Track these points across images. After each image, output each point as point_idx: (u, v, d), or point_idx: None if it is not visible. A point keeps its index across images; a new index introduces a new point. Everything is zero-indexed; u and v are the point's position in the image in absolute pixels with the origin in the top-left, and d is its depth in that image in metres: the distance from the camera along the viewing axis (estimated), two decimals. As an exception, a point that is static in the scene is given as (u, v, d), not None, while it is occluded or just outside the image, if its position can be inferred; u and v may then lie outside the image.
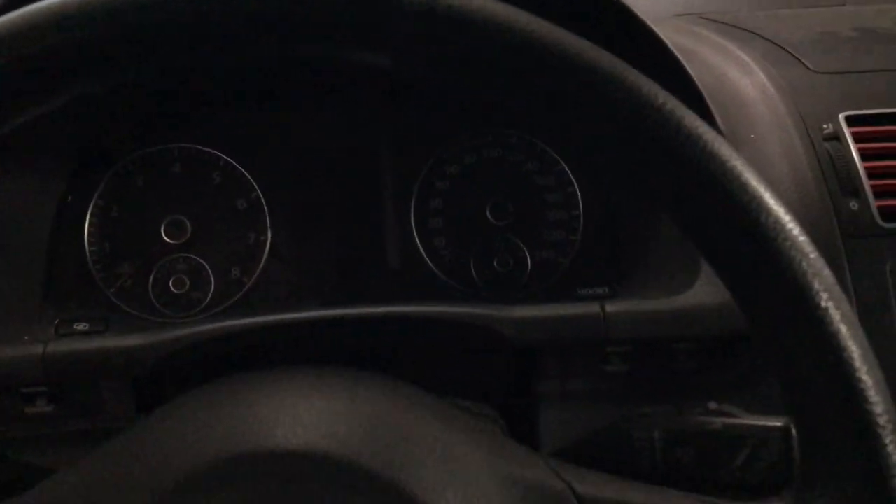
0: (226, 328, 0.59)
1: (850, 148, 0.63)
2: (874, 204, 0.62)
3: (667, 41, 0.63)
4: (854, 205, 0.62)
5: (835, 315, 0.36)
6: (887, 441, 0.35)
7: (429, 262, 0.75)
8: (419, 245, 0.75)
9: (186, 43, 0.38)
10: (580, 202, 0.76)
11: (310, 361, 0.46)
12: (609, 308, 0.61)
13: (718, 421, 0.47)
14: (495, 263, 0.75)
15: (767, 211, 0.36)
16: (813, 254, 0.37)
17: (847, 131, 0.64)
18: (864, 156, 0.63)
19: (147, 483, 0.36)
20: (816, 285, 0.36)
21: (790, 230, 0.36)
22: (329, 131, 0.77)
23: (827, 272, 0.37)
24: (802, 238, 0.37)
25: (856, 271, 0.60)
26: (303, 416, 0.37)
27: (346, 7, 0.36)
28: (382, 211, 0.76)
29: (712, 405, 0.49)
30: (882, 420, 0.35)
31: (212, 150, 0.75)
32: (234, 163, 0.75)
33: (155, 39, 0.38)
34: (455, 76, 0.38)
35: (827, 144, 0.64)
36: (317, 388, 0.39)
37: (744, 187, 0.36)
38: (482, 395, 0.65)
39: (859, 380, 0.36)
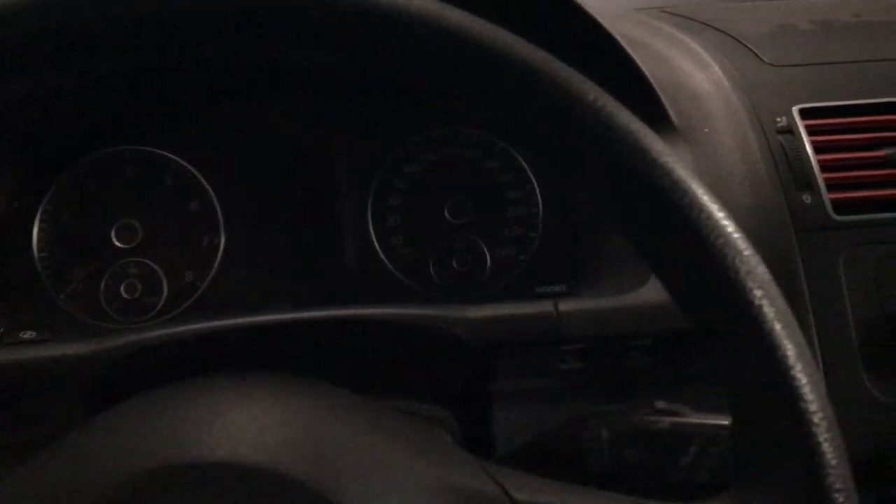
0: (170, 335, 0.58)
1: (803, 141, 0.63)
2: (827, 197, 0.61)
3: (616, 36, 0.63)
4: (807, 198, 0.61)
5: (769, 313, 0.35)
6: (822, 439, 0.35)
7: (386, 262, 0.74)
8: (377, 245, 0.74)
9: (109, 45, 0.37)
10: (539, 199, 0.76)
11: (253, 367, 0.45)
12: (563, 307, 0.60)
13: (666, 420, 0.46)
14: (454, 262, 0.74)
15: (700, 207, 0.36)
16: (747, 251, 0.36)
17: (801, 124, 0.64)
18: (818, 149, 0.63)
19: (68, 500, 0.35)
20: (750, 283, 0.35)
21: (723, 227, 0.36)
22: (284, 130, 0.76)
23: (762, 269, 0.36)
24: (737, 235, 0.36)
25: (809, 265, 0.60)
26: (229, 426, 0.36)
27: (277, 6, 0.35)
28: (339, 211, 0.75)
29: (660, 404, 0.48)
30: (817, 418, 0.35)
31: (164, 153, 0.74)
32: (186, 164, 0.74)
33: (77, 40, 0.37)
34: (390, 74, 0.38)
35: (780, 137, 0.63)
36: (246, 396, 0.38)
37: (675, 184, 0.36)
38: (438, 396, 0.65)
39: (794, 378, 0.35)
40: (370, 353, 0.67)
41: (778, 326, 0.35)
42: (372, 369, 0.67)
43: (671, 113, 0.65)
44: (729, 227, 0.36)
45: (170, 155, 0.74)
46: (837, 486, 0.35)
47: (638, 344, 0.62)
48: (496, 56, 0.35)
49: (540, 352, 0.63)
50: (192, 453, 0.35)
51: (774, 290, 0.36)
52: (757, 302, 0.35)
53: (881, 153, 0.63)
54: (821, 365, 0.58)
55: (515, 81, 0.36)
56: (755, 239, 0.62)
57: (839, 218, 0.61)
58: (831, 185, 0.62)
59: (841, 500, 0.35)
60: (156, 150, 0.74)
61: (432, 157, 0.76)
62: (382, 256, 0.74)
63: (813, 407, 0.35)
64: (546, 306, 0.60)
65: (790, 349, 0.35)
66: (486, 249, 0.75)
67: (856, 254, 0.60)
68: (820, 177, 0.62)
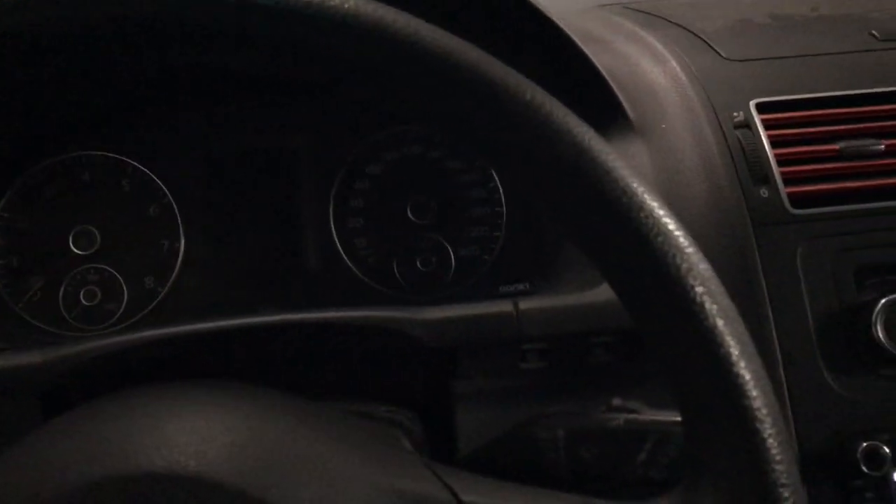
0: (124, 342, 0.57)
1: (760, 135, 0.63)
2: (784, 191, 0.61)
3: (571, 34, 0.62)
4: (764, 192, 0.62)
5: (711, 310, 0.35)
6: (767, 434, 0.35)
7: (349, 264, 0.74)
8: (339, 247, 0.74)
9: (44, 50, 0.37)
10: (503, 198, 0.75)
11: (213, 373, 0.45)
12: (523, 305, 0.60)
13: (621, 417, 0.46)
14: (418, 263, 0.74)
15: (639, 205, 0.35)
16: (689, 248, 0.36)
17: (757, 118, 0.64)
18: (774, 143, 0.63)
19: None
20: (690, 280, 0.35)
21: (663, 224, 0.36)
22: (243, 133, 0.75)
23: (703, 266, 0.36)
24: (677, 232, 0.36)
25: (767, 258, 0.60)
26: (169, 435, 0.36)
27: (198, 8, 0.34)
28: (300, 213, 0.74)
29: (616, 401, 0.48)
30: (761, 414, 0.35)
31: (121, 157, 0.73)
32: (144, 169, 0.73)
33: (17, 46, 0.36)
34: (308, 70, 0.37)
35: (737, 132, 0.64)
36: (188, 405, 0.37)
37: (615, 182, 0.35)
38: (402, 398, 0.64)
39: (737, 374, 0.35)
40: (333, 357, 0.66)
41: (720, 323, 0.35)
42: (335, 372, 0.67)
43: (628, 109, 0.65)
44: (669, 224, 0.36)
45: (128, 160, 0.73)
46: (783, 480, 0.35)
47: (599, 341, 0.62)
48: (426, 54, 0.34)
49: (502, 351, 0.62)
50: (130, 464, 0.35)
51: (716, 286, 0.36)
52: (698, 299, 0.35)
53: (836, 146, 0.63)
54: (780, 358, 0.58)
55: (448, 79, 0.36)
56: (712, 234, 0.62)
57: (796, 211, 0.61)
58: (788, 179, 0.62)
59: (786, 494, 0.35)
60: (113, 154, 0.73)
61: (394, 158, 0.76)
62: (345, 258, 0.74)
63: (757, 403, 0.35)
64: (506, 305, 0.60)
65: (733, 345, 0.35)
66: (450, 249, 0.75)
67: (813, 247, 0.60)
68: (776, 171, 0.62)
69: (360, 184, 0.75)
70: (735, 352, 0.35)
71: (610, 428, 0.46)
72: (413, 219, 0.75)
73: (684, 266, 0.35)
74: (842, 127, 0.64)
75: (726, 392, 0.35)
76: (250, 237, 0.74)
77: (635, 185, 0.36)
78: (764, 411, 0.35)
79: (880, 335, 0.57)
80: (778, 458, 0.35)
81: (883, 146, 0.63)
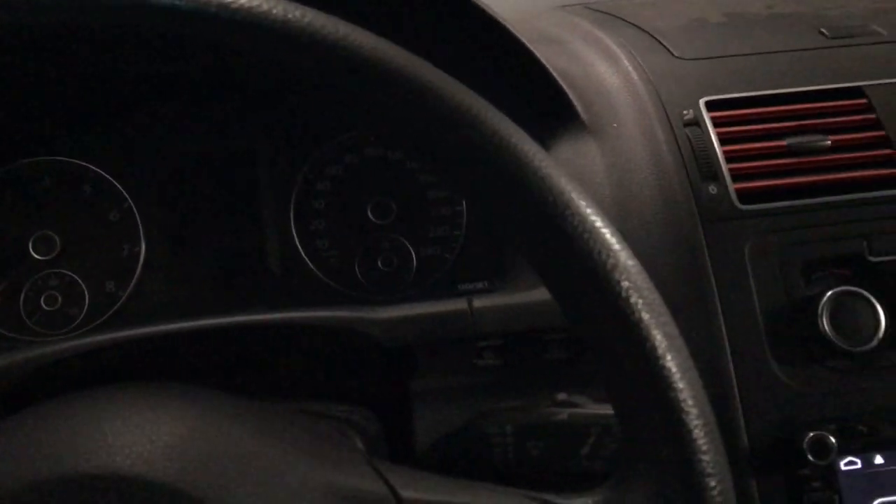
0: (78, 346, 0.58)
1: (709, 133, 0.64)
2: (732, 187, 0.62)
3: (519, 35, 0.63)
4: (713, 189, 0.63)
5: (636, 304, 0.36)
6: (693, 425, 0.36)
7: (311, 266, 0.74)
8: (300, 248, 0.74)
9: None
10: (462, 198, 0.76)
11: (172, 376, 0.45)
12: (477, 303, 0.61)
13: (565, 412, 0.47)
14: (380, 263, 0.75)
15: (567, 204, 0.36)
16: (616, 245, 0.37)
17: (707, 116, 0.65)
18: (723, 140, 0.64)
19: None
20: (617, 275, 0.36)
21: (591, 222, 0.36)
22: (203, 136, 0.76)
23: (631, 262, 0.37)
24: (605, 229, 0.37)
25: (716, 254, 0.61)
26: (111, 437, 0.36)
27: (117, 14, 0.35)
28: (261, 215, 0.75)
29: (561, 396, 0.49)
30: (687, 405, 0.36)
31: (81, 163, 0.73)
32: (104, 174, 0.73)
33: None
34: (244, 76, 0.38)
35: (687, 130, 0.65)
36: (127, 407, 0.38)
37: (542, 180, 0.36)
38: (362, 397, 0.65)
39: (663, 367, 0.36)
40: (293, 358, 0.67)
41: (646, 316, 0.36)
42: (295, 373, 0.67)
43: (581, 110, 0.66)
44: (596, 220, 0.36)
45: (87, 165, 0.73)
46: (709, 470, 0.36)
47: (554, 338, 0.62)
48: (350, 57, 0.35)
49: (458, 349, 0.63)
50: (70, 465, 0.35)
51: (643, 281, 0.36)
52: (624, 294, 0.36)
53: (784, 143, 0.64)
54: (729, 351, 0.59)
55: (372, 80, 0.36)
56: (662, 231, 0.63)
57: (744, 207, 0.62)
58: (736, 176, 0.63)
59: (713, 483, 0.36)
60: (73, 160, 0.73)
61: (354, 159, 0.76)
62: (307, 260, 0.74)
63: (683, 395, 0.36)
64: (460, 303, 0.61)
65: (659, 338, 0.36)
66: (411, 249, 0.75)
67: (761, 242, 0.61)
68: (725, 167, 0.63)
69: (321, 185, 0.76)
70: (661, 345, 0.36)
71: (554, 422, 0.47)
72: (374, 219, 0.75)
73: (610, 262, 0.36)
74: (790, 123, 0.65)
75: (653, 384, 0.36)
76: (211, 240, 0.74)
77: (563, 183, 0.37)
78: (690, 402, 0.36)
79: (826, 328, 0.58)
80: (704, 447, 0.36)
81: (829, 142, 0.65)
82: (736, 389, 0.58)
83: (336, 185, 0.76)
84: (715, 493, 0.35)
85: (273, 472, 0.37)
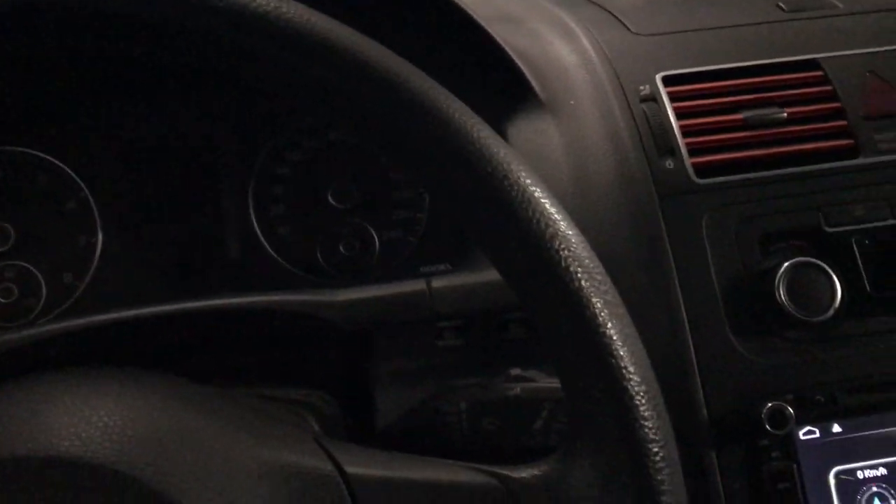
0: (30, 336, 0.57)
1: (665, 108, 0.64)
2: (689, 161, 0.62)
3: (474, 15, 0.63)
4: (670, 163, 0.63)
5: (575, 272, 0.36)
6: (634, 392, 0.36)
7: (271, 252, 0.74)
8: (260, 235, 0.74)
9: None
10: (425, 180, 0.76)
11: (126, 363, 0.45)
12: (436, 284, 0.60)
13: (518, 386, 0.47)
14: (341, 247, 0.74)
15: (505, 174, 0.36)
16: (555, 214, 0.37)
17: (663, 91, 0.65)
18: (680, 115, 0.64)
19: None
20: (556, 244, 0.36)
21: (530, 191, 0.36)
22: (160, 123, 0.75)
23: (571, 232, 0.37)
24: (544, 199, 0.37)
25: (673, 228, 0.61)
26: (50, 420, 0.36)
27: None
28: (220, 202, 0.74)
29: (514, 371, 0.49)
30: (628, 372, 0.36)
31: (36, 153, 0.72)
32: (59, 164, 0.72)
33: None
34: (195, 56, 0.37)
35: (644, 105, 0.64)
36: (70, 390, 0.37)
37: (480, 151, 0.36)
38: (322, 381, 0.65)
39: (603, 334, 0.36)
40: (253, 343, 0.66)
41: (585, 284, 0.36)
42: (256, 358, 0.67)
43: (538, 88, 0.66)
44: (535, 190, 0.36)
45: (42, 154, 0.72)
46: (652, 436, 0.36)
47: (514, 317, 0.62)
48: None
49: (418, 330, 0.63)
50: (7, 448, 0.35)
51: (583, 249, 0.36)
52: (563, 263, 0.36)
53: (741, 116, 0.64)
54: (687, 324, 0.59)
55: (323, 63, 0.36)
56: (620, 206, 0.63)
57: (701, 181, 0.62)
58: (693, 150, 0.63)
59: (656, 449, 0.36)
60: (27, 150, 0.72)
61: (315, 144, 0.76)
62: (266, 246, 0.74)
63: (623, 362, 0.36)
64: (419, 284, 0.60)
65: (599, 306, 0.36)
66: (373, 233, 0.75)
67: (718, 215, 0.61)
68: (681, 142, 0.63)
69: (281, 170, 0.75)
70: (601, 312, 0.36)
71: (508, 397, 0.47)
72: (335, 204, 0.75)
73: (549, 230, 0.36)
74: (746, 97, 0.65)
75: (594, 353, 0.36)
76: (170, 229, 0.73)
77: (502, 153, 0.37)
78: (631, 369, 0.36)
79: (783, 299, 0.58)
80: (646, 414, 0.36)
81: (785, 114, 0.65)
82: (695, 362, 0.58)
83: (296, 171, 0.75)
84: (657, 458, 0.35)
85: (213, 451, 0.36)
